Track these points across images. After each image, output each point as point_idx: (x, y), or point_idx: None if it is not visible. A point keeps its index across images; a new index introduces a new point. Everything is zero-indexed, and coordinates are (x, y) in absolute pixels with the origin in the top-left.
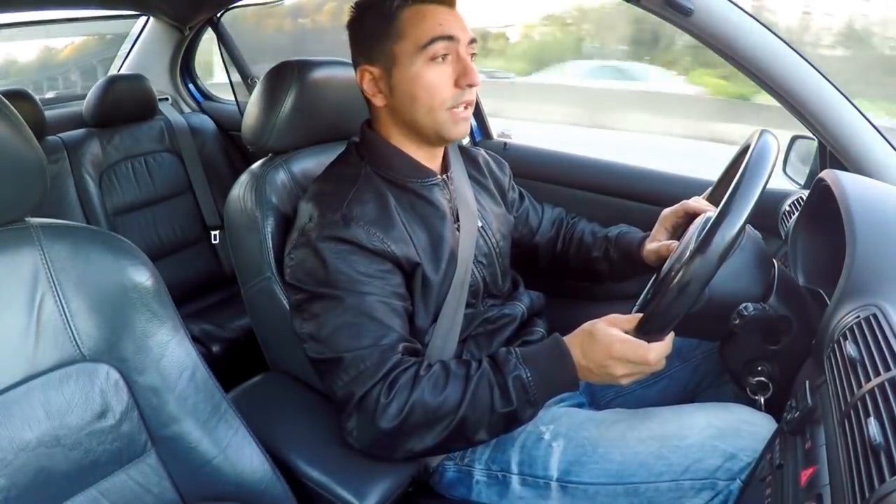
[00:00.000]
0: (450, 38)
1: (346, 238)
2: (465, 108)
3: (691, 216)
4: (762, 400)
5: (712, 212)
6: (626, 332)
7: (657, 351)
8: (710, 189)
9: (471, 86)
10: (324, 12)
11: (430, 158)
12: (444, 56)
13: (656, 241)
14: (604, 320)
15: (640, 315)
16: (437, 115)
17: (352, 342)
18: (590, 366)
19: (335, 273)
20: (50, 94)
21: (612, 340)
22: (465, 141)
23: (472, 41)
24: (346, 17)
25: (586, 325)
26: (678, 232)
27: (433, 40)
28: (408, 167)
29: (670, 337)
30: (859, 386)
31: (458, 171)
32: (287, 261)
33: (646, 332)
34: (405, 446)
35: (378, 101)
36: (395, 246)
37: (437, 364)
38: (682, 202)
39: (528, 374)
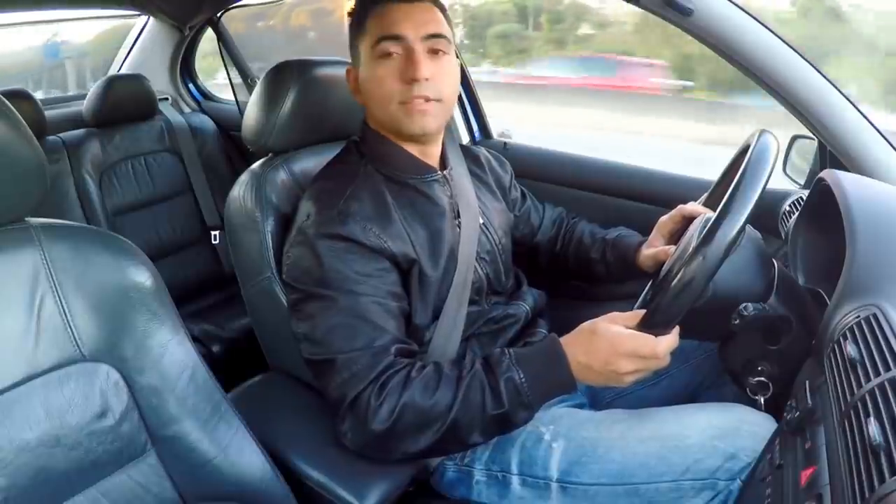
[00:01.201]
0: (395, 37)
1: (342, 235)
2: (425, 101)
3: (688, 220)
4: (762, 400)
5: (712, 213)
6: (630, 328)
7: (665, 344)
8: (708, 192)
9: (413, 80)
10: (278, 16)
11: (425, 154)
12: (390, 53)
13: (653, 248)
14: (604, 318)
15: (642, 312)
16: (389, 110)
17: (345, 344)
18: (592, 364)
19: (330, 272)
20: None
21: (617, 336)
22: (465, 140)
23: (433, 36)
24: (294, 21)
25: (586, 324)
26: (675, 238)
27: (380, 39)
28: (407, 163)
29: (676, 331)
30: (859, 386)
31: (459, 167)
32: (285, 259)
33: (651, 325)
34: (399, 448)
35: (358, 98)
36: (392, 242)
37: (430, 366)
38: (678, 207)
39: (521, 376)
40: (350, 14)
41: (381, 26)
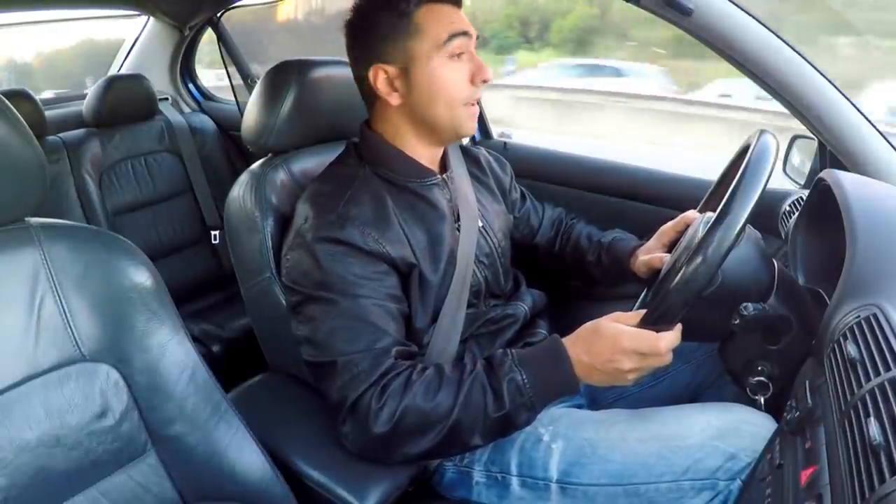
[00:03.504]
0: (465, 33)
1: (340, 239)
2: (474, 104)
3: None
4: (762, 400)
5: (713, 213)
6: (632, 326)
7: (667, 340)
8: (708, 192)
9: (485, 82)
10: (231, 22)
11: (430, 158)
12: (461, 54)
13: (649, 254)
14: (607, 318)
15: (644, 311)
16: (456, 112)
17: (346, 346)
18: (594, 363)
19: (330, 275)
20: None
21: (619, 333)
22: (465, 140)
23: (476, 37)
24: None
25: (588, 324)
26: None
27: (452, 37)
28: (406, 167)
29: (678, 328)
30: (859, 386)
31: (459, 170)
32: (284, 262)
33: (654, 322)
34: (400, 450)
35: (393, 99)
36: (391, 247)
37: (431, 368)
38: (681, 216)
39: (524, 377)
40: (368, 10)
41: (447, 25)
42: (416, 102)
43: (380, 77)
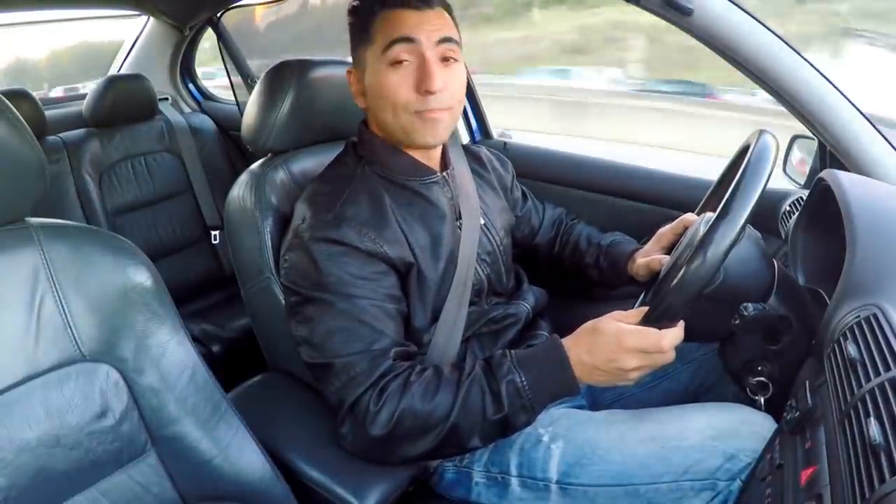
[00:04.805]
0: (408, 39)
1: (337, 239)
2: (436, 111)
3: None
4: (762, 400)
5: (713, 213)
6: (633, 325)
7: (670, 337)
8: (708, 192)
9: (428, 92)
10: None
11: (427, 157)
12: (403, 61)
13: (648, 257)
14: (607, 316)
15: (644, 309)
16: (402, 119)
17: (343, 347)
18: (596, 363)
19: (327, 275)
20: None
21: (621, 332)
22: (465, 140)
23: (444, 41)
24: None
25: (588, 323)
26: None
27: (391, 43)
28: (405, 165)
29: (681, 325)
30: (859, 386)
31: (461, 167)
32: (282, 262)
33: (656, 319)
34: (398, 452)
35: (360, 102)
36: (389, 247)
37: (430, 369)
38: (680, 218)
39: (523, 379)
40: (352, 14)
41: (392, 30)
42: (371, 106)
43: (351, 79)
